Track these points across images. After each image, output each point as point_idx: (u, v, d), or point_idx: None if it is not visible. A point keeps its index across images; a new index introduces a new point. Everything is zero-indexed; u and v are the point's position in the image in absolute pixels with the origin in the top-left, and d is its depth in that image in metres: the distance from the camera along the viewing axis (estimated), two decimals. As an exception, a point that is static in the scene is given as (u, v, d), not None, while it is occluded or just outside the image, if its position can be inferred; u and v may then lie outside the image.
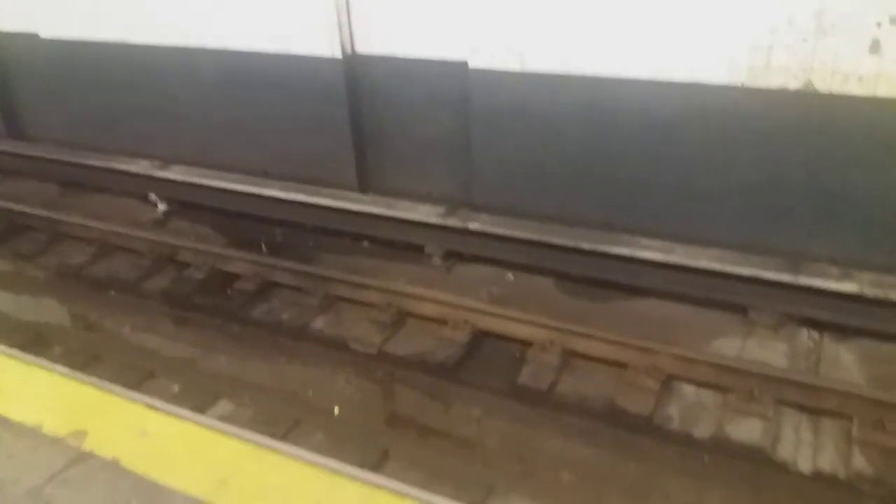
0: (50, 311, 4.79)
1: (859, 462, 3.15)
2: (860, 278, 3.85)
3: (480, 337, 4.09)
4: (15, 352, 3.36)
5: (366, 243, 5.16)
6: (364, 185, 5.32)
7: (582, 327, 3.93)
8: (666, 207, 4.39)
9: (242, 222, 5.51)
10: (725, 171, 4.13)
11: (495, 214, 4.79)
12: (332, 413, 3.58)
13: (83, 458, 2.11)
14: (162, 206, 5.82)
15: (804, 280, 3.94)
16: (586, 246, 4.42)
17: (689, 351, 3.74)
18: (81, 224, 5.51)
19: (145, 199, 5.88)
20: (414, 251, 4.91)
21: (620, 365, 3.77)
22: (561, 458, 3.30)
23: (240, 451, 2.16)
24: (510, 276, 4.71)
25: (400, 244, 4.99)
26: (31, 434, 2.22)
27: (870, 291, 3.77)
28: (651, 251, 4.29)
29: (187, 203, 5.77)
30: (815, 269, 3.98)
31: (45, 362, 3.35)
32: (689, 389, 3.66)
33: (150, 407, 2.39)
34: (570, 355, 3.88)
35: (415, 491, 2.74)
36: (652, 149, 4.24)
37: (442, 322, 4.17)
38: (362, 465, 2.97)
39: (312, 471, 2.08)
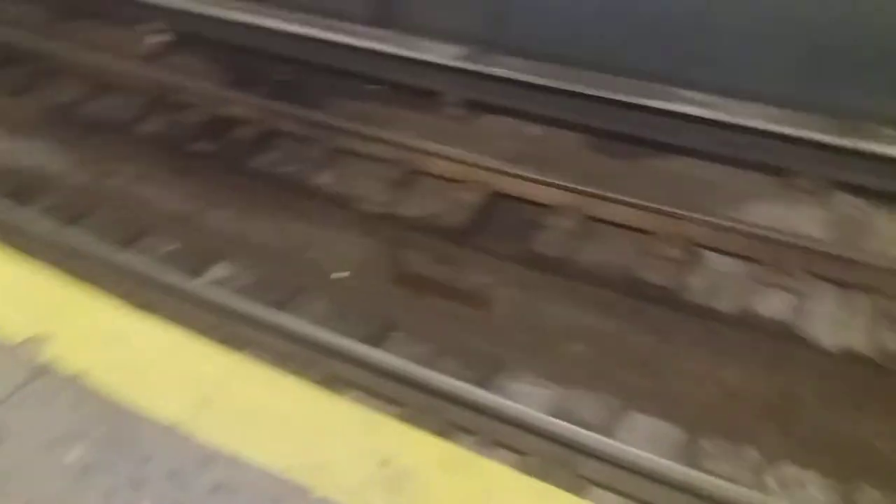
0: (39, 155, 4.57)
1: (891, 340, 3.05)
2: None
3: (497, 198, 3.88)
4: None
5: (378, 87, 4.83)
6: (379, 19, 4.87)
7: (606, 190, 3.70)
8: (715, 55, 4.00)
9: (245, 58, 5.15)
10: (782, 14, 3.70)
11: (525, 59, 4.41)
12: (337, 278, 3.50)
13: (43, 371, 1.89)
14: (158, 37, 5.43)
15: (854, 142, 3.65)
16: (621, 97, 4.09)
17: (718, 218, 3.54)
18: (71, 57, 5.19)
19: (142, 27, 5.47)
20: (431, 98, 4.59)
21: (645, 232, 3.59)
22: (574, 329, 3.21)
23: (228, 363, 1.96)
24: (535, 130, 4.42)
25: (416, 89, 4.65)
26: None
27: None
28: (690, 105, 3.97)
29: (185, 34, 5.37)
30: (868, 131, 3.67)
31: (30, 213, 3.25)
32: (716, 259, 3.50)
33: (128, 303, 2.15)
34: (591, 220, 3.69)
35: (416, 370, 2.73)
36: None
37: (456, 181, 3.95)
38: (366, 337, 2.94)
39: (309, 392, 1.92)
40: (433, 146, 4.09)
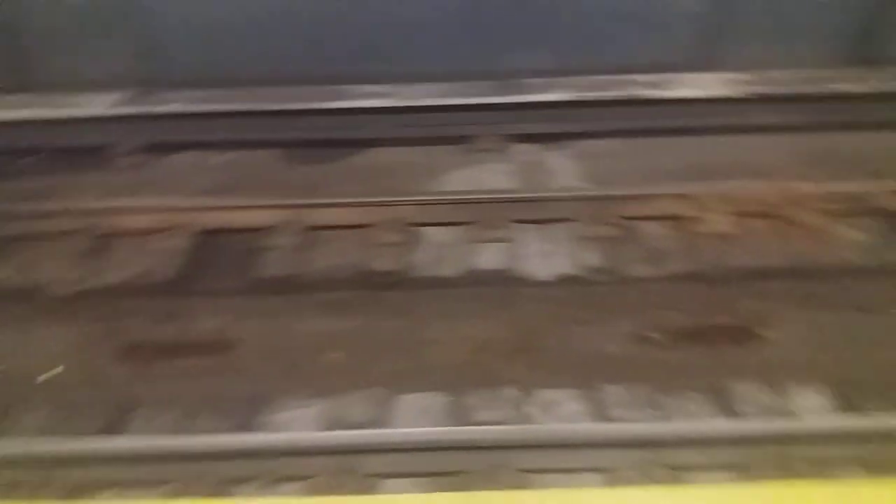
0: None
1: (592, 257, 3.51)
2: (565, 85, 4.15)
3: (207, 236, 3.73)
4: None
5: (35, 157, 4.35)
6: (17, 84, 4.39)
7: (317, 197, 3.79)
8: (381, 47, 4.28)
9: None
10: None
11: (195, 89, 4.28)
12: (47, 378, 3.10)
13: None
14: None
15: (517, 97, 4.14)
16: (304, 106, 4.20)
17: (423, 195, 3.80)
18: None
19: None
20: (101, 153, 4.25)
21: (364, 226, 3.72)
22: (325, 339, 3.22)
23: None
24: (225, 157, 4.32)
25: (81, 148, 4.27)
26: None
27: (576, 96, 4.10)
28: (371, 98, 4.22)
29: None
30: (525, 86, 4.19)
31: None
32: (432, 232, 3.74)
33: None
34: (311, 230, 3.73)
35: (168, 441, 2.57)
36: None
37: (157, 231, 3.71)
38: (103, 428, 2.68)
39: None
40: (119, 202, 3.82)
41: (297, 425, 2.73)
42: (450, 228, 3.74)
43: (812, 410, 2.74)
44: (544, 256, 3.58)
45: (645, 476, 2.48)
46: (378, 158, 4.29)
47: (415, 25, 4.21)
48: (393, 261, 3.53)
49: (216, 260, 3.66)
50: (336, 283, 3.51)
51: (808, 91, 4.02)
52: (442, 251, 3.63)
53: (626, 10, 4.12)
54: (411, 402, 2.86)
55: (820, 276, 3.38)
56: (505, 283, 3.47)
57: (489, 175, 4.08)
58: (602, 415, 2.78)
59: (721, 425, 2.67)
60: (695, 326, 3.24)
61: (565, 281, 3.48)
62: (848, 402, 2.76)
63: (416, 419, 2.73)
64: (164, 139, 4.29)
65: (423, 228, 3.75)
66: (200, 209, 3.76)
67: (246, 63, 4.28)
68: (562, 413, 2.82)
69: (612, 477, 2.52)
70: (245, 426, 2.74)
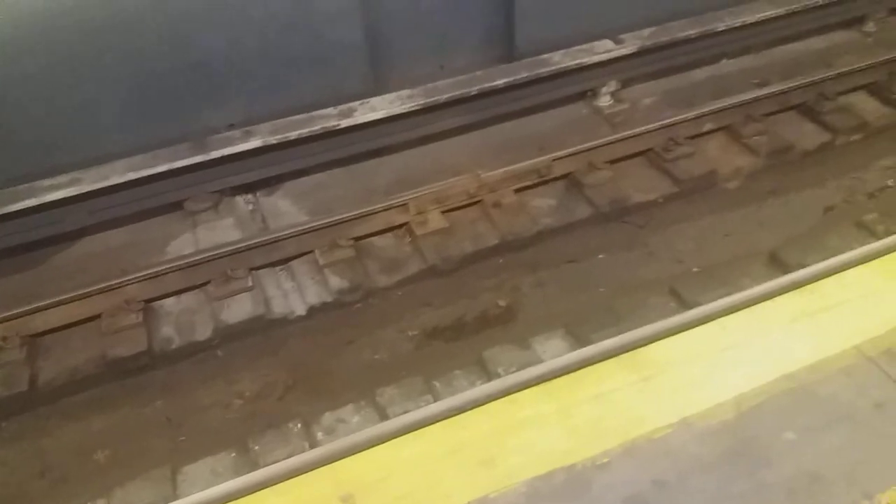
0: None
1: (337, 282, 3.78)
2: (262, 131, 4.39)
3: None
4: None
5: None
6: None
7: (29, 304, 3.59)
8: (50, 140, 4.15)
9: None
10: (92, 77, 4.07)
11: None
12: None
13: None
14: None
15: (215, 153, 4.27)
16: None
17: (150, 268, 3.78)
18: None
19: None
20: None
21: (94, 317, 3.63)
22: (86, 442, 3.14)
23: None
24: None
25: None
26: None
27: (273, 139, 4.35)
28: (60, 190, 4.05)
29: None
30: (220, 140, 4.34)
31: None
32: (169, 303, 3.77)
33: None
34: (34, 338, 3.55)
35: None
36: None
37: None
38: None
39: None
40: None
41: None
42: (187, 294, 3.80)
43: (554, 352, 3.22)
44: (292, 294, 3.80)
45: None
46: (89, 248, 4.16)
47: (87, 105, 4.15)
48: (136, 343, 3.49)
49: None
50: (80, 383, 3.40)
51: (467, 93, 4.70)
52: (186, 318, 3.67)
53: (290, 53, 4.43)
54: (198, 469, 2.91)
55: (529, 242, 4.03)
56: (261, 329, 3.63)
57: (212, 233, 4.16)
58: (383, 415, 3.05)
59: (485, 388, 3.02)
60: (445, 315, 3.68)
61: (320, 310, 3.73)
62: (577, 337, 3.32)
63: (208, 481, 2.78)
64: None
65: (158, 302, 3.75)
66: None
67: None
68: (347, 428, 3.04)
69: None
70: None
